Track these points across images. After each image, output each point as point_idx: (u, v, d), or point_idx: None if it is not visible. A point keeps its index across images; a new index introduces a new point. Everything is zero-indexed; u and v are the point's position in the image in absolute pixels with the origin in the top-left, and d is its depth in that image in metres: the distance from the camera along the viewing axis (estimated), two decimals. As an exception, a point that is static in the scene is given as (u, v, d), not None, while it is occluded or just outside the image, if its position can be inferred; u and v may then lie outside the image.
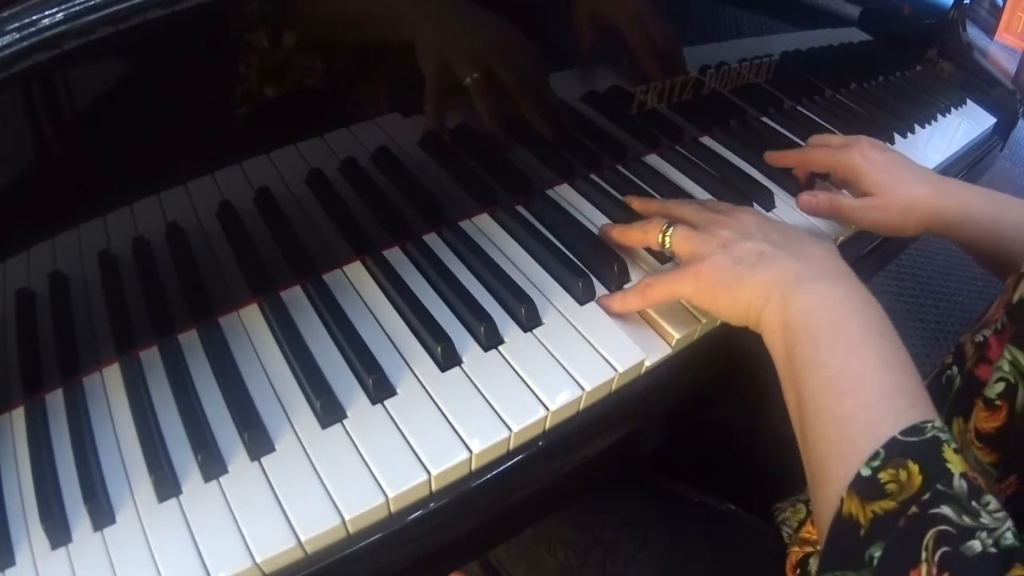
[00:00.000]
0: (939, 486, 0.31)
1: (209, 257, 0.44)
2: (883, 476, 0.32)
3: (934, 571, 0.28)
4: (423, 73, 0.47)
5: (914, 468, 0.31)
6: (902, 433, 0.32)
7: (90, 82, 0.35)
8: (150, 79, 0.38)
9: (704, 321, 0.48)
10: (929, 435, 0.32)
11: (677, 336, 0.47)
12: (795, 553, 0.49)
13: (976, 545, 0.28)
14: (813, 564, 0.47)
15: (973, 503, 0.30)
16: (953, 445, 0.32)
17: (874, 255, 0.66)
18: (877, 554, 0.31)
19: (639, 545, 0.54)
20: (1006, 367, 0.38)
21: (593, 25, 0.55)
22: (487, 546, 0.53)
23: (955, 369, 0.48)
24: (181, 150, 0.41)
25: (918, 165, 0.57)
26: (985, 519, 0.29)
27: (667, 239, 0.47)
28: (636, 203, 0.56)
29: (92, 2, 0.33)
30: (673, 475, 0.60)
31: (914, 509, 0.30)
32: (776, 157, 0.65)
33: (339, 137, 0.46)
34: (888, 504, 0.31)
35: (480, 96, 0.50)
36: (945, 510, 0.30)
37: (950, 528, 0.29)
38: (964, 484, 0.31)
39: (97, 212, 0.39)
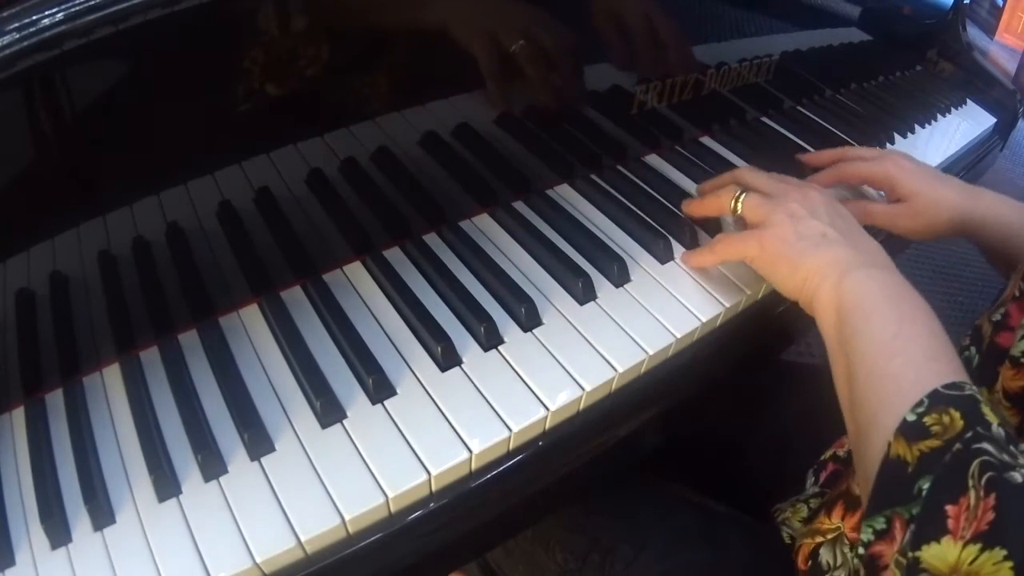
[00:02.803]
0: (979, 428, 0.33)
1: (209, 257, 0.44)
2: (928, 420, 0.35)
3: (981, 493, 0.30)
4: (448, 59, 0.48)
5: (955, 414, 0.34)
6: (944, 387, 0.35)
7: (90, 82, 0.35)
8: (150, 79, 0.38)
9: (704, 321, 0.49)
10: (968, 392, 0.35)
11: (678, 335, 0.47)
12: (806, 545, 0.49)
13: (1017, 476, 0.30)
14: (824, 554, 0.47)
15: (1011, 447, 0.33)
16: (989, 406, 0.35)
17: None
18: (925, 486, 0.33)
19: (638, 547, 0.53)
20: None
21: (604, 23, 0.55)
22: (486, 547, 0.53)
23: (973, 350, 0.49)
24: (181, 150, 0.41)
25: (948, 176, 0.62)
26: (1023, 460, 0.32)
27: (739, 204, 0.51)
28: (708, 183, 0.59)
29: (92, 2, 0.33)
30: (672, 476, 0.60)
31: (958, 446, 0.33)
32: (813, 158, 0.66)
33: (339, 137, 0.46)
34: (934, 443, 0.34)
35: (530, 62, 0.51)
36: (986, 446, 0.32)
37: (992, 459, 0.32)
38: (1002, 431, 0.33)
39: (97, 212, 0.39)
